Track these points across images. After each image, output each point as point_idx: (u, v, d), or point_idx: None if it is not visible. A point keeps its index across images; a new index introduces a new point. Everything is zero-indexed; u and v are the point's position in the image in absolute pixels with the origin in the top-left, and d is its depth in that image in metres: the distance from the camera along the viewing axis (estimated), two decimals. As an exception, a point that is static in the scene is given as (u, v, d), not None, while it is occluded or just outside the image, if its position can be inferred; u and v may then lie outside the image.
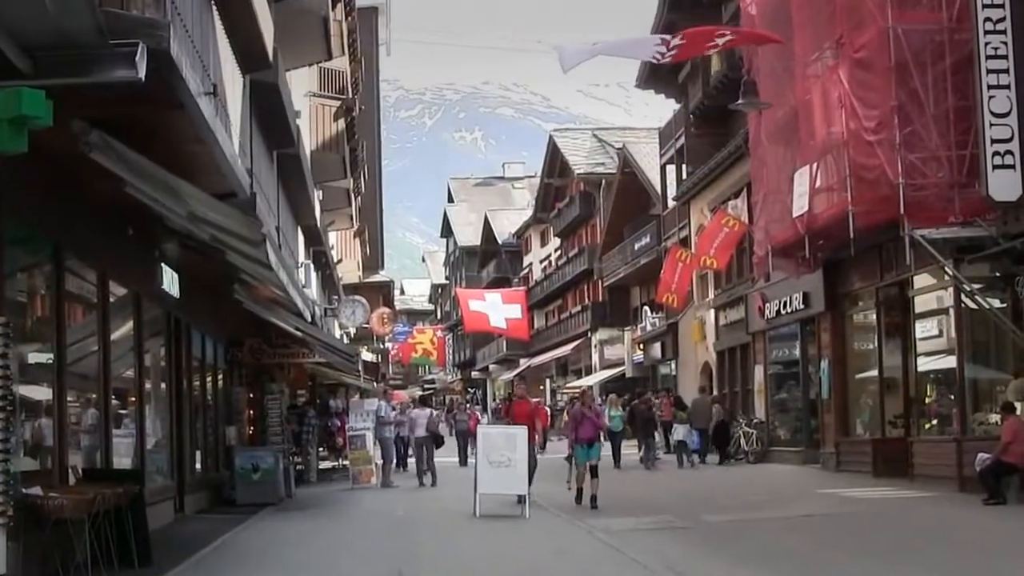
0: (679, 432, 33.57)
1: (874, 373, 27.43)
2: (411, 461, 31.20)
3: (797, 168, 25.86)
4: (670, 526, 17.77)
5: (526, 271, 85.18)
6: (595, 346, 61.98)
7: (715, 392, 38.56)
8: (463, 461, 35.13)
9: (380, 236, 57.97)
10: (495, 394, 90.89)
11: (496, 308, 51.04)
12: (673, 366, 47.90)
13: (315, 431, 31.24)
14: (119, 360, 16.47)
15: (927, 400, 25.35)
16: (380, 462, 28.95)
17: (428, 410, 30.89)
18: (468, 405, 65.98)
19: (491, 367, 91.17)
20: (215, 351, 24.84)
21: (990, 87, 20.63)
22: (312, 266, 35.54)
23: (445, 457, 31.72)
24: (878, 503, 20.36)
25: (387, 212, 63.65)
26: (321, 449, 35.20)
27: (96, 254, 14.73)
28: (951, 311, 23.68)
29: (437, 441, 29.52)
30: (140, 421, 17.55)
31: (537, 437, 22.34)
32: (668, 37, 19.31)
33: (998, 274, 22.14)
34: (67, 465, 13.28)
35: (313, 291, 34.01)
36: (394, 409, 31.16)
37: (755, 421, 34.10)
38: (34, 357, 12.79)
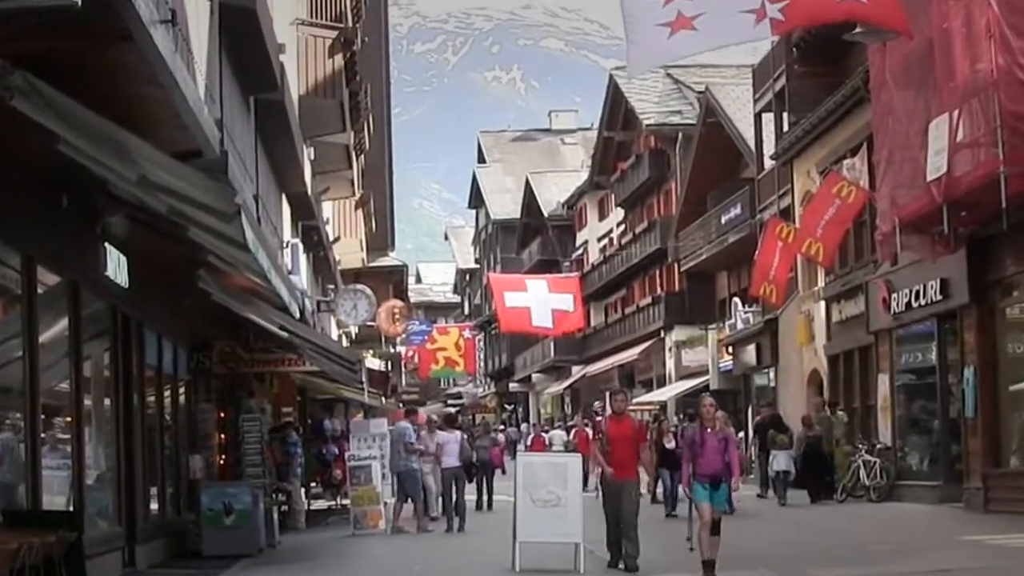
0: (780, 460, 33.64)
1: (1034, 384, 27.34)
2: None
3: (933, 118, 25.73)
4: (767, 584, 17.75)
5: (580, 252, 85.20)
6: (670, 350, 61.90)
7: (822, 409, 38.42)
8: (488, 503, 34.32)
9: (390, 207, 58.05)
10: (539, 412, 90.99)
11: (541, 300, 50.77)
12: (771, 375, 47.79)
13: (302, 460, 31.28)
14: (50, 369, 16.52)
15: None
16: (389, 500, 28.94)
17: (458, 433, 30.65)
18: (505, 426, 66.09)
19: (534, 377, 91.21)
20: (175, 357, 24.92)
21: None
22: (301, 246, 35.63)
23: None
24: (1039, 554, 20.28)
25: (399, 176, 63.90)
26: (314, 484, 35.30)
27: (20, 232, 14.76)
28: None
29: (469, 474, 29.38)
30: (78, 449, 17.59)
31: (645, 471, 20.89)
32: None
33: None
34: (-16, 505, 13.36)
35: (303, 279, 34.10)
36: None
37: (878, 447, 33.97)
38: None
